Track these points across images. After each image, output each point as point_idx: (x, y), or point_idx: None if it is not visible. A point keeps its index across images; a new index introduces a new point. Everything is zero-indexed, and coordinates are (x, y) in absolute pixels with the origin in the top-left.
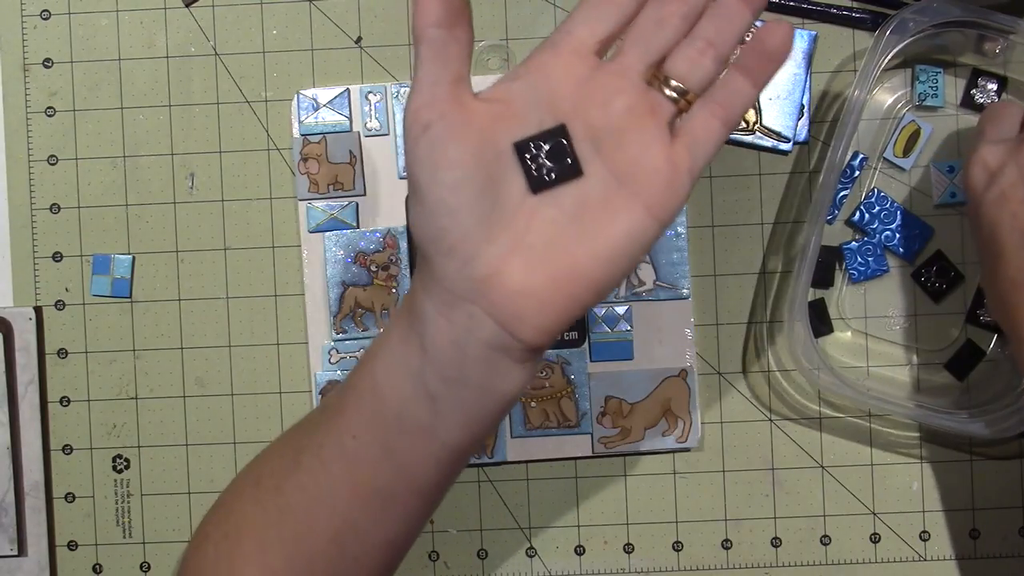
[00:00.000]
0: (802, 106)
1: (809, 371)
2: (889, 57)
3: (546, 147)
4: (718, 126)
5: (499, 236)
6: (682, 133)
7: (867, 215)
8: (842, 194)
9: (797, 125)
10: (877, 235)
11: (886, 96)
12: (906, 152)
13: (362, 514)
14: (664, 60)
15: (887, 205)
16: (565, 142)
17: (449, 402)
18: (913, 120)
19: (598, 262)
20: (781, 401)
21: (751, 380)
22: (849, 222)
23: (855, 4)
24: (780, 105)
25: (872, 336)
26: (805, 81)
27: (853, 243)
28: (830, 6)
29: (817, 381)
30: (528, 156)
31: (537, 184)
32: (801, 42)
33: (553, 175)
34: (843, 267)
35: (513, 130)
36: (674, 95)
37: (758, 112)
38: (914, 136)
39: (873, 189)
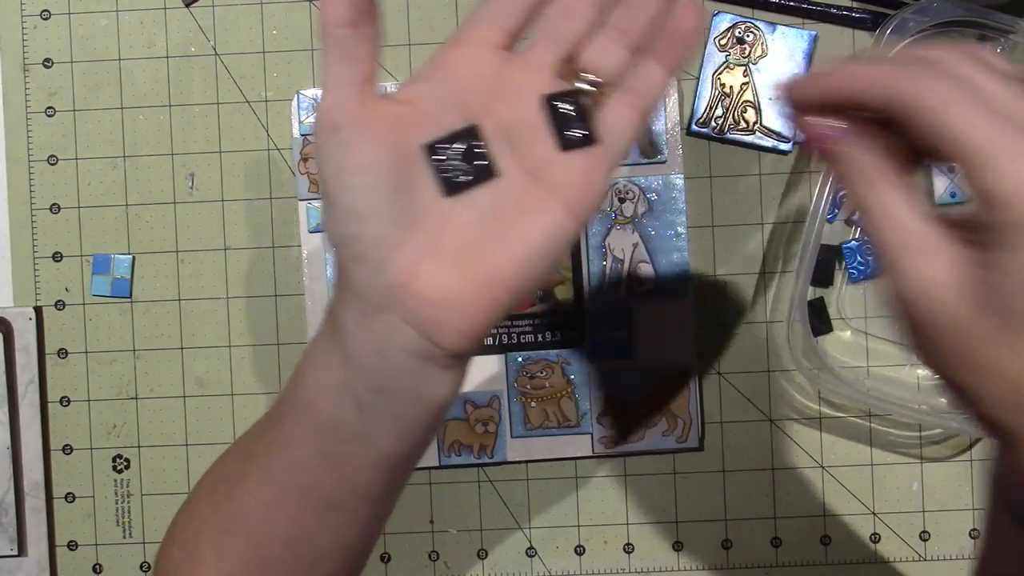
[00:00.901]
0: None
1: (809, 371)
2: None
3: (457, 149)
4: (633, 116)
5: (412, 241)
6: (596, 126)
7: None
8: (842, 193)
9: None
10: None
11: None
12: None
13: (312, 520)
14: (576, 51)
15: None
16: (476, 143)
17: (378, 411)
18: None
19: (516, 263)
20: (781, 401)
21: (751, 380)
22: (849, 221)
23: (855, 4)
24: (780, 105)
25: (872, 335)
26: None
27: (853, 242)
28: (830, 6)
29: (817, 380)
30: (439, 159)
31: (449, 187)
32: (801, 42)
33: (465, 178)
34: (843, 266)
35: (423, 132)
36: (589, 88)
37: (758, 112)
38: None
39: None
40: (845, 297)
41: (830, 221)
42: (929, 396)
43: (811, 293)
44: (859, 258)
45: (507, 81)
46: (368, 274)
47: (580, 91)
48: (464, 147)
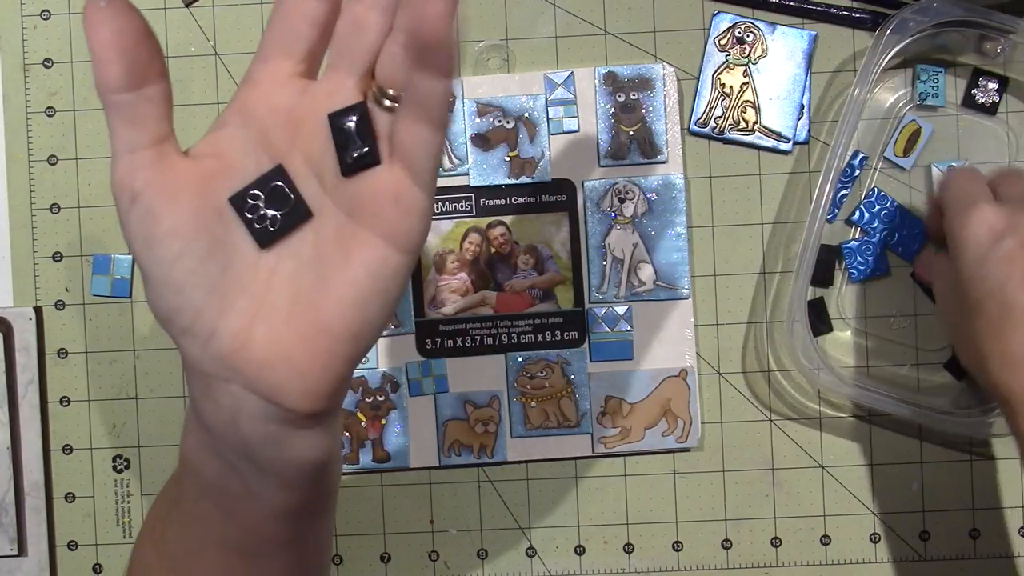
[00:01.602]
0: (802, 106)
1: (809, 370)
2: (889, 56)
3: (265, 194)
4: (425, 130)
5: (236, 304)
6: (394, 148)
7: (867, 214)
8: (842, 193)
9: (797, 125)
10: (877, 234)
11: (887, 95)
12: (906, 152)
13: (234, 564)
14: (375, 66)
15: (887, 204)
16: (283, 184)
17: (254, 473)
18: (914, 120)
19: (346, 308)
20: (781, 401)
21: (751, 380)
22: (849, 221)
23: (855, 4)
24: (780, 105)
25: (872, 335)
26: (805, 81)
27: (853, 242)
28: (830, 6)
29: (817, 380)
30: (248, 209)
31: (264, 238)
32: (801, 42)
33: (278, 224)
34: (843, 266)
35: (231, 183)
36: (393, 104)
37: (758, 112)
38: (915, 136)
39: (873, 188)
40: (845, 297)
41: (830, 221)
42: (929, 396)
43: (811, 293)
44: (859, 258)
45: (308, 111)
46: (199, 347)
47: (367, 106)
48: (271, 191)
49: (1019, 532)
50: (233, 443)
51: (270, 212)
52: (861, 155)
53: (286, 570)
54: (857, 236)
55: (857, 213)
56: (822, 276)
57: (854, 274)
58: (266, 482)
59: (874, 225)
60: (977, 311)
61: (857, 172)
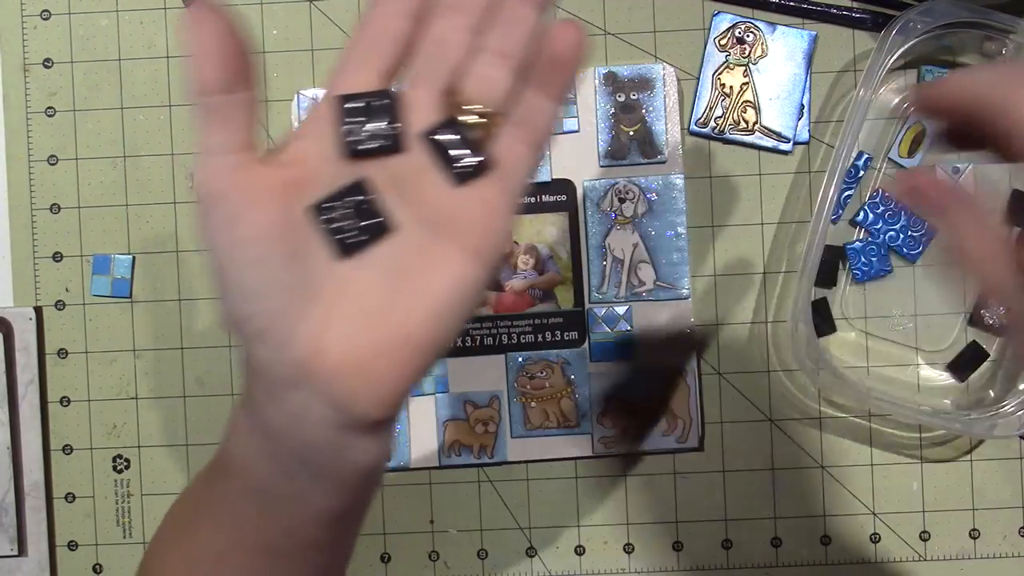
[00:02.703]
0: (802, 106)
1: (812, 371)
2: (895, 58)
3: (347, 206)
4: (524, 150)
5: (312, 311)
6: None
7: (871, 215)
8: (846, 194)
9: (797, 125)
10: (881, 235)
11: (891, 96)
12: (911, 152)
13: (262, 567)
14: (457, 82)
15: (891, 205)
16: (368, 198)
17: (307, 477)
18: (918, 120)
19: (426, 321)
20: (781, 401)
21: (751, 380)
22: (853, 222)
23: (855, 4)
24: (780, 105)
25: (874, 336)
26: (805, 81)
27: (857, 243)
28: (830, 6)
29: (819, 381)
30: (329, 219)
31: (343, 249)
32: (801, 42)
33: (359, 237)
34: (846, 267)
35: (310, 192)
36: (476, 120)
37: (758, 112)
38: (919, 136)
39: (877, 189)
40: (848, 297)
41: (834, 222)
42: (931, 397)
43: (814, 293)
44: (863, 259)
45: None
46: (272, 353)
47: (461, 121)
48: (354, 203)
49: (1019, 532)
50: (293, 446)
51: (350, 223)
52: (865, 156)
53: (313, 573)
54: (861, 237)
55: (861, 214)
56: (826, 277)
57: (858, 275)
58: (317, 486)
59: (878, 226)
60: None
61: (861, 173)
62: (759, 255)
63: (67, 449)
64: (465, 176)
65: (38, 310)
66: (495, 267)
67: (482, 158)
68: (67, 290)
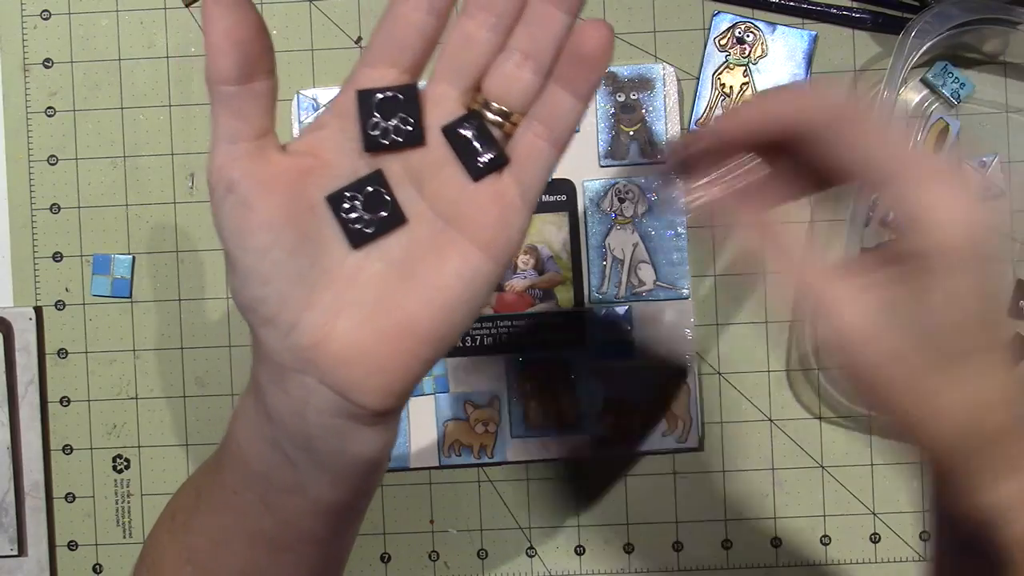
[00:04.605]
0: None
1: (835, 375)
2: (917, 55)
3: (363, 197)
4: (545, 148)
5: (321, 299)
6: (511, 160)
7: None
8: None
9: None
10: None
11: (911, 95)
12: (936, 150)
13: (263, 558)
14: (481, 80)
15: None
16: (382, 190)
17: (309, 466)
18: (941, 117)
19: (434, 313)
20: (781, 401)
21: (751, 380)
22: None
23: (855, 4)
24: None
25: None
26: (805, 81)
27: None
28: (830, 6)
29: (844, 384)
30: (344, 209)
31: (357, 239)
32: (801, 42)
33: (373, 227)
34: None
35: (326, 182)
36: (497, 119)
37: None
38: (943, 133)
39: None
40: None
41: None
42: None
43: None
44: None
45: None
46: (279, 337)
47: (482, 115)
48: (369, 194)
49: None
50: (296, 434)
51: (366, 215)
52: None
53: (311, 566)
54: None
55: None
56: None
57: None
58: (319, 477)
59: None
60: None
61: None
62: (759, 255)
63: (67, 449)
64: (484, 170)
65: (38, 310)
66: (507, 264)
67: (497, 152)
68: (67, 290)
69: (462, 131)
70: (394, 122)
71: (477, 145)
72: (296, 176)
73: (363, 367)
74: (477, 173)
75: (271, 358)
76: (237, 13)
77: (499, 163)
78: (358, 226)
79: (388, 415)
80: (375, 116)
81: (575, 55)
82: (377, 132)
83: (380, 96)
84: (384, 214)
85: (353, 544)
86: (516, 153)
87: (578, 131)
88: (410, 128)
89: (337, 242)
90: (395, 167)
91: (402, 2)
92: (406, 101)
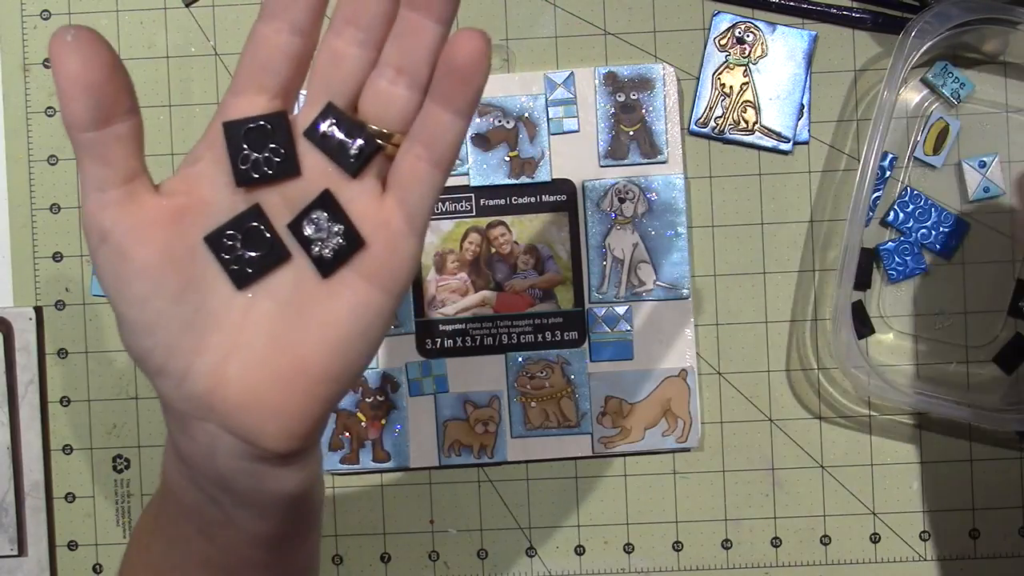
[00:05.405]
0: (802, 106)
1: (855, 375)
2: (918, 55)
3: (242, 235)
4: (427, 170)
5: (210, 344)
6: (390, 184)
7: (901, 214)
8: (875, 195)
9: (797, 125)
10: (913, 234)
11: (911, 95)
12: (936, 150)
13: None
14: (355, 100)
15: (921, 203)
16: (261, 224)
17: (231, 503)
18: (941, 117)
19: (327, 350)
20: (781, 401)
21: (751, 380)
22: (884, 222)
23: (855, 4)
24: (780, 105)
25: (914, 335)
26: (805, 81)
27: (890, 243)
28: (830, 6)
29: (868, 384)
30: (224, 249)
31: (241, 279)
32: (801, 42)
33: (255, 265)
34: (880, 268)
35: (204, 220)
36: (381, 140)
37: (758, 112)
38: (943, 133)
39: (906, 188)
40: (885, 298)
41: (865, 224)
42: (979, 393)
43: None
44: (897, 258)
45: None
46: (173, 387)
47: (337, 109)
48: (248, 231)
49: (1019, 532)
50: (210, 476)
51: (247, 253)
52: (890, 156)
53: None
54: (893, 237)
55: (891, 214)
56: (861, 279)
57: (893, 275)
58: (244, 512)
59: (909, 224)
60: None
61: (888, 173)
62: (759, 255)
63: (67, 449)
64: (359, 162)
65: (38, 310)
66: (402, 294)
67: (371, 136)
68: (67, 290)
69: (322, 128)
70: (266, 153)
71: (342, 136)
72: (172, 218)
73: (260, 411)
74: (353, 168)
75: (172, 406)
76: (85, 53)
77: (372, 148)
78: (239, 266)
79: (297, 454)
80: (244, 148)
81: (448, 67)
82: (247, 165)
83: (249, 126)
84: (266, 251)
85: (315, 563)
86: (398, 177)
87: (577, 131)
88: (279, 160)
89: (222, 283)
90: (274, 199)
91: (263, 23)
92: (275, 130)
